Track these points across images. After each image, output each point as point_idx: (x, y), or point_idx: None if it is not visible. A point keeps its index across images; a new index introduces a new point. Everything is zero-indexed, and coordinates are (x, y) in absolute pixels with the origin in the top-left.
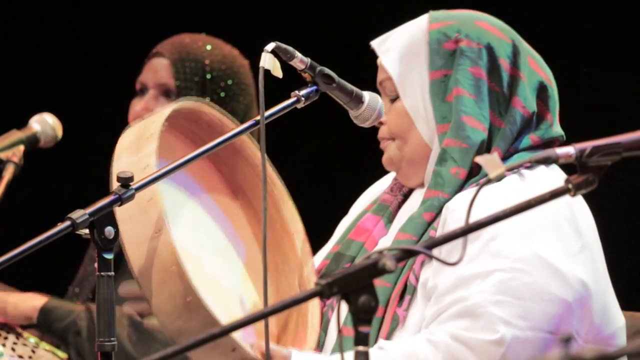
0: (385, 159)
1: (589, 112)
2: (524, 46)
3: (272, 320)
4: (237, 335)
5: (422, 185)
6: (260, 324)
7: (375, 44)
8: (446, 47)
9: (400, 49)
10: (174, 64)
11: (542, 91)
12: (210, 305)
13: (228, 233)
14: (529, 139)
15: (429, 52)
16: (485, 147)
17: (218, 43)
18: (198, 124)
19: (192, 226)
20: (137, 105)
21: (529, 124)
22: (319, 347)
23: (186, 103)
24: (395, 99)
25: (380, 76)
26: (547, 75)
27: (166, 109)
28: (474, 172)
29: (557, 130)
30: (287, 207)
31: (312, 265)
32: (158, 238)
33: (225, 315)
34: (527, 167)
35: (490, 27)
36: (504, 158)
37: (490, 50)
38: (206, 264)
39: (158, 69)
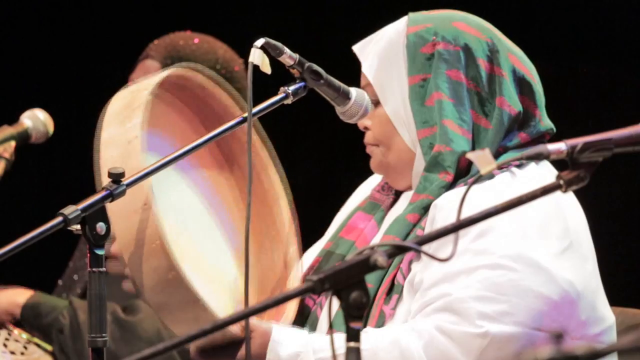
0: (372, 164)
1: (582, 108)
2: (504, 43)
3: (252, 291)
4: (218, 311)
5: (410, 188)
6: (241, 297)
7: (356, 49)
8: (424, 50)
9: (379, 54)
10: (165, 68)
11: (525, 87)
12: (193, 282)
13: (215, 208)
14: (517, 137)
15: (407, 56)
16: (471, 149)
17: (213, 45)
18: (185, 91)
19: (179, 201)
20: None
21: (516, 122)
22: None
23: (175, 71)
24: (377, 103)
25: (362, 82)
26: (529, 71)
27: (155, 77)
28: (462, 175)
29: (546, 124)
30: (269, 175)
31: (296, 240)
32: (144, 212)
33: (208, 291)
34: (517, 165)
35: (467, 27)
36: (494, 157)
37: (467, 51)
38: (192, 239)
39: (150, 71)
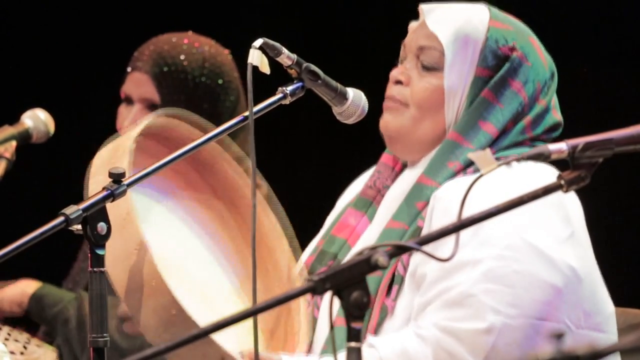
0: (389, 124)
1: (582, 108)
2: (556, 78)
3: (260, 329)
4: (228, 346)
5: (413, 162)
6: (249, 334)
7: (425, 8)
8: (502, 50)
9: (457, 27)
10: (155, 77)
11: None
12: (196, 317)
13: (209, 238)
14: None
15: (485, 47)
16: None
17: (199, 43)
18: (168, 142)
19: (171, 234)
20: (124, 117)
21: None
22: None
23: (154, 121)
24: (431, 69)
25: (421, 41)
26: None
27: (135, 129)
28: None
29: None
30: (269, 217)
31: (297, 268)
32: (138, 254)
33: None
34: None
35: (539, 49)
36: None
37: (534, 72)
38: (189, 271)
39: (140, 83)
